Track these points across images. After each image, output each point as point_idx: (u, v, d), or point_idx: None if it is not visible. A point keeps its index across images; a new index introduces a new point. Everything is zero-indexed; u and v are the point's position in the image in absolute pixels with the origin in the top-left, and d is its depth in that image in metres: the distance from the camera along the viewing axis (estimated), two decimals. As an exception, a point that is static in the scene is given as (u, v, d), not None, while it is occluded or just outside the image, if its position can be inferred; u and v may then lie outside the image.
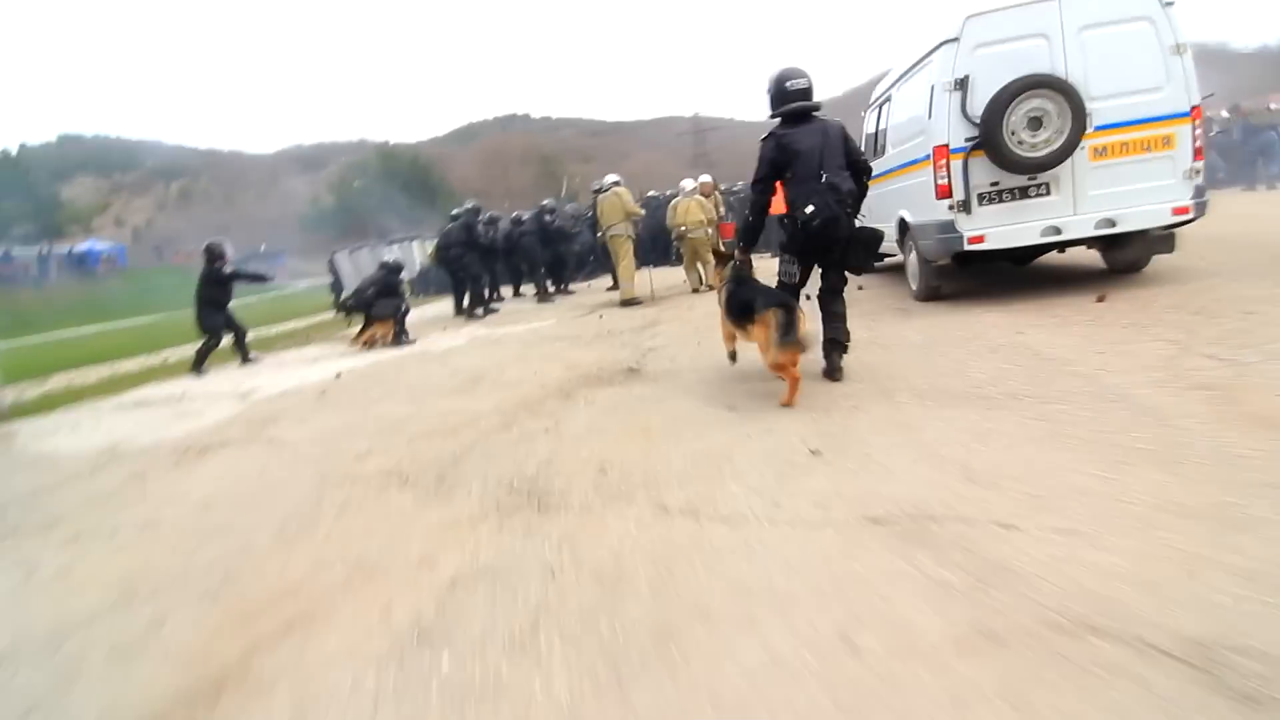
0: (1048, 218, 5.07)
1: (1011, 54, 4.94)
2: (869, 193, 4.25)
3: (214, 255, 8.78)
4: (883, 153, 6.74)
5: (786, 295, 3.86)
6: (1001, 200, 5.14)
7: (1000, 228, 5.12)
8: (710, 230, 9.57)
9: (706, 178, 10.20)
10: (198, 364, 8.51)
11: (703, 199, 9.58)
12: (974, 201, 5.12)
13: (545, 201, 12.46)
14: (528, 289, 13.02)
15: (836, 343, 4.05)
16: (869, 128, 7.57)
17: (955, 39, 5.03)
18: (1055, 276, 6.31)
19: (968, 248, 5.16)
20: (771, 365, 3.65)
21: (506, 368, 5.99)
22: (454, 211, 11.83)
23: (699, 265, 9.69)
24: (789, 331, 3.48)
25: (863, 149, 7.95)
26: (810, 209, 3.76)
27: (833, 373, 4.02)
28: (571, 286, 13.19)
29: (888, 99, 6.62)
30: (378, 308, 9.01)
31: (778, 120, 4.03)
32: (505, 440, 3.75)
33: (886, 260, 8.60)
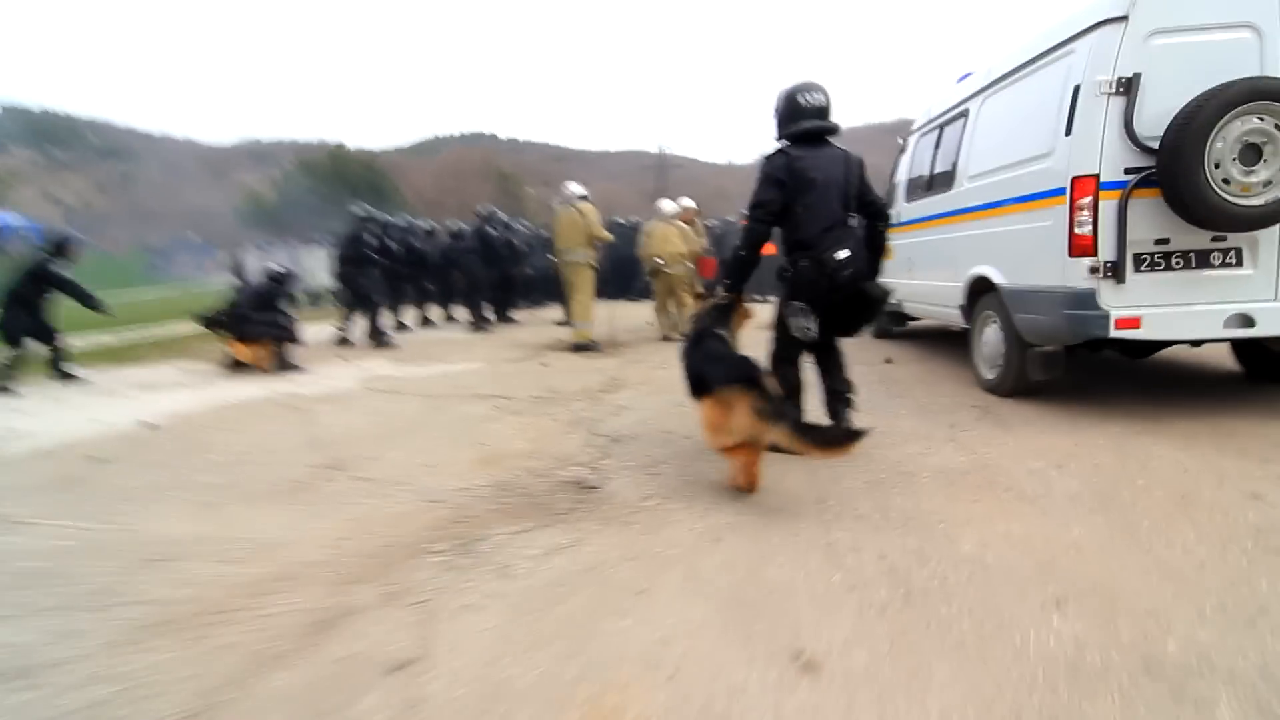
0: (1235, 300, 3.35)
1: (1203, 50, 3.26)
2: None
3: (58, 247, 6.56)
4: (947, 186, 5.01)
5: (758, 368, 2.86)
6: (1169, 267, 3.41)
7: (1165, 309, 3.38)
8: (690, 265, 7.73)
9: (689, 202, 8.35)
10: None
11: (684, 226, 7.73)
12: (1128, 265, 3.37)
13: (482, 208, 10.33)
14: (463, 313, 10.85)
15: (841, 395, 3.41)
16: (917, 159, 5.86)
17: (1121, 18, 3.31)
18: (1167, 375, 4.64)
19: (1114, 333, 3.39)
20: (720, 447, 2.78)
21: (389, 443, 3.91)
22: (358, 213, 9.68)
23: (672, 307, 7.81)
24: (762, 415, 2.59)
25: (904, 185, 6.37)
26: (844, 254, 3.04)
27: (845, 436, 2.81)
28: (515, 314, 11.13)
29: (961, 115, 4.91)
30: (251, 326, 6.78)
31: (784, 144, 3.24)
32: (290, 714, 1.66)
33: (909, 324, 6.93)
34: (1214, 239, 3.35)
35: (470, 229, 10.31)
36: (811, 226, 3.07)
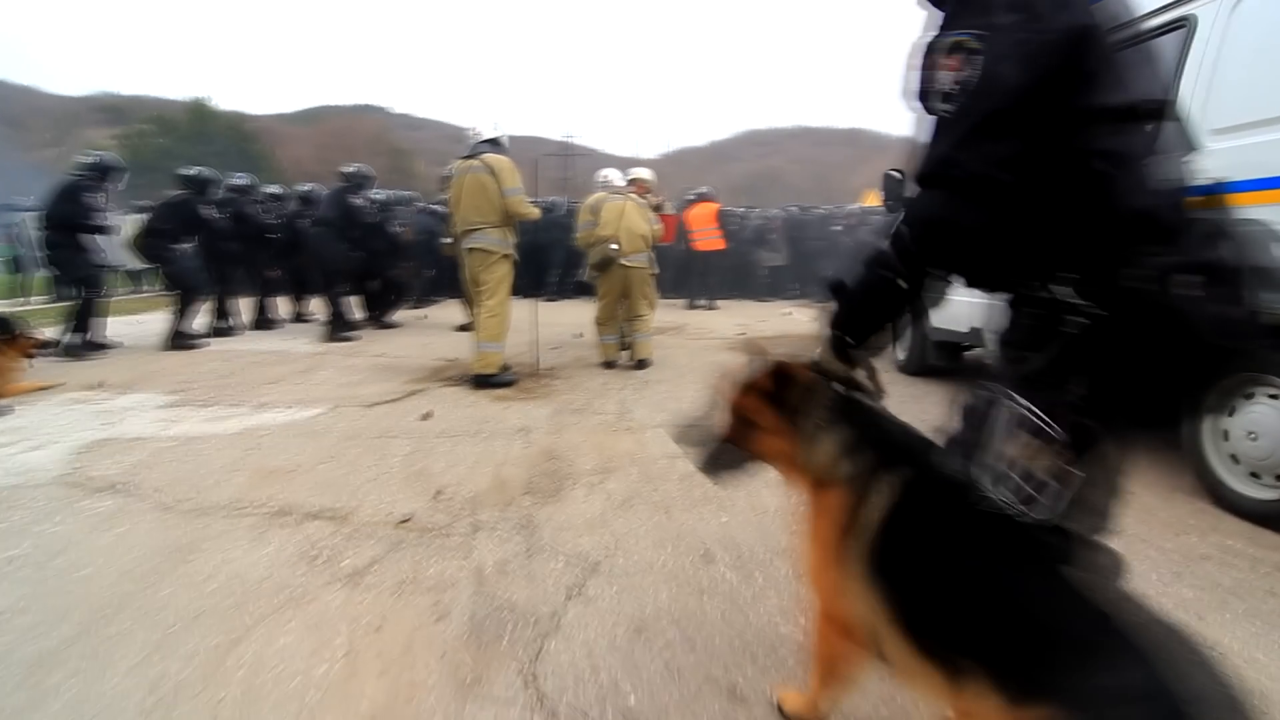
0: None
1: None
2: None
3: None
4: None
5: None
6: None
7: None
8: (652, 254, 5.47)
9: (644, 172, 5.94)
10: None
11: (641, 201, 5.44)
12: None
13: (353, 168, 7.45)
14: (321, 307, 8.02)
15: None
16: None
17: None
18: None
19: None
20: None
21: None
22: (185, 172, 6.73)
23: (623, 314, 5.50)
24: None
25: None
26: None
27: None
28: (396, 314, 8.38)
29: (1170, 29, 2.88)
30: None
31: None
32: None
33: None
34: None
35: (328, 194, 7.45)
36: (1147, 183, 1.02)
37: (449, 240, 5.01)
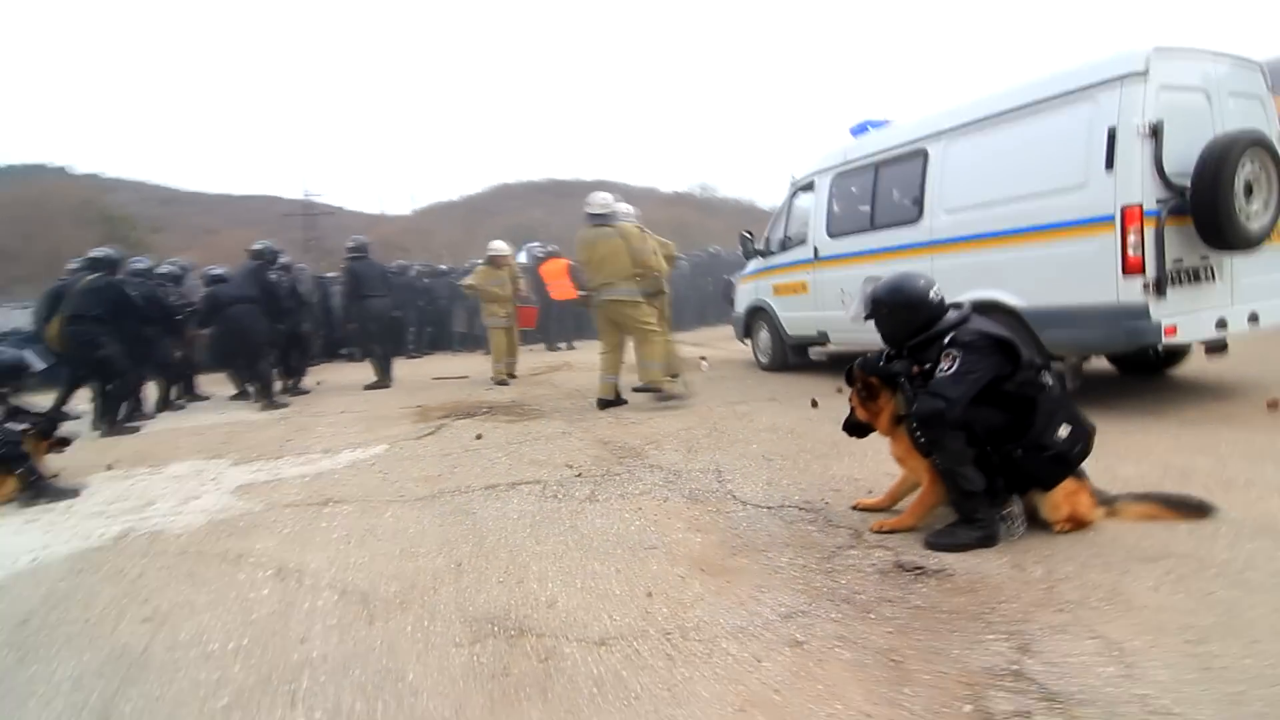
0: (1215, 307, 4.18)
1: (1186, 107, 4.05)
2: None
3: None
4: (907, 220, 5.35)
5: None
6: (1180, 283, 4.10)
7: (1185, 316, 4.05)
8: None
9: (502, 245, 7.18)
10: None
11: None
12: (1167, 282, 3.98)
13: (259, 245, 8.02)
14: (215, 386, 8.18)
15: None
16: (840, 198, 6.22)
17: (1142, 73, 3.93)
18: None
19: (1166, 340, 3.95)
20: None
21: None
22: (95, 254, 6.86)
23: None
24: None
25: (823, 222, 6.58)
26: None
27: None
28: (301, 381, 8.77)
29: (914, 155, 5.30)
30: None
31: None
32: None
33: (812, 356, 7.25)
34: (1202, 258, 4.14)
35: (241, 271, 7.89)
36: None
37: (585, 294, 6.06)
